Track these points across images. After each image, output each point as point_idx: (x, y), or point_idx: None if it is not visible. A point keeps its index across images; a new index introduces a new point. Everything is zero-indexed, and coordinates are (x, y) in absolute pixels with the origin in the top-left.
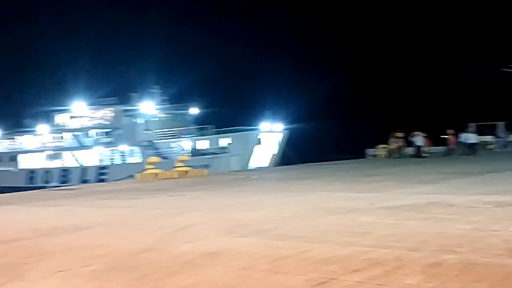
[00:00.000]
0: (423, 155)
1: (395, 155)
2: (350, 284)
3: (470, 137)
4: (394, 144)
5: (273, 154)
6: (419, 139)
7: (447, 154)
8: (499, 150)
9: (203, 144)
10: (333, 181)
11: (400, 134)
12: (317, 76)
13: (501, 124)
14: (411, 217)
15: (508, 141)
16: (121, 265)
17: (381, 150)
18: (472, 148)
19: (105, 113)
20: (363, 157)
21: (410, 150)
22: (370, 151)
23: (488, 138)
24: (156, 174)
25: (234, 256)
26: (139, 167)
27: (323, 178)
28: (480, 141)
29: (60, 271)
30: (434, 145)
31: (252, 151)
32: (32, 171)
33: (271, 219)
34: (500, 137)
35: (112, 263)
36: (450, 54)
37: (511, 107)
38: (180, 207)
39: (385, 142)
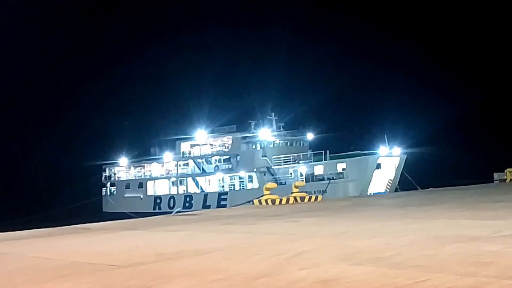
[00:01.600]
0: None
1: None
2: None
3: None
4: None
5: (390, 180)
6: None
7: None
8: None
9: (320, 169)
10: (455, 208)
11: None
12: (436, 99)
13: None
14: None
15: None
16: None
17: (509, 174)
18: None
19: (225, 141)
20: (490, 182)
21: None
22: (497, 175)
23: None
24: (273, 199)
25: (349, 285)
26: (257, 193)
27: (444, 204)
28: None
29: None
30: None
31: (371, 176)
32: (158, 197)
33: (389, 247)
34: None
35: (230, 287)
36: None
37: None
38: (296, 233)
39: None
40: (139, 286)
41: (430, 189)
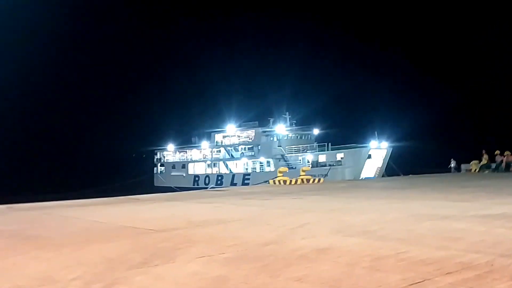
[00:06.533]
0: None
1: (486, 170)
2: (444, 285)
3: None
4: (484, 160)
5: (378, 167)
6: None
7: None
8: None
9: (323, 157)
10: (430, 191)
11: (496, 152)
12: (416, 102)
13: None
14: (502, 225)
15: None
16: (249, 254)
17: (474, 165)
18: None
19: (249, 133)
20: (458, 171)
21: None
22: (464, 166)
23: None
24: (285, 180)
25: (340, 253)
26: (273, 175)
27: (421, 188)
28: None
29: (202, 257)
30: None
31: (363, 164)
32: (196, 176)
33: (375, 222)
34: None
35: (242, 252)
36: None
37: None
38: (301, 208)
39: (478, 158)
40: (169, 248)
41: (410, 175)
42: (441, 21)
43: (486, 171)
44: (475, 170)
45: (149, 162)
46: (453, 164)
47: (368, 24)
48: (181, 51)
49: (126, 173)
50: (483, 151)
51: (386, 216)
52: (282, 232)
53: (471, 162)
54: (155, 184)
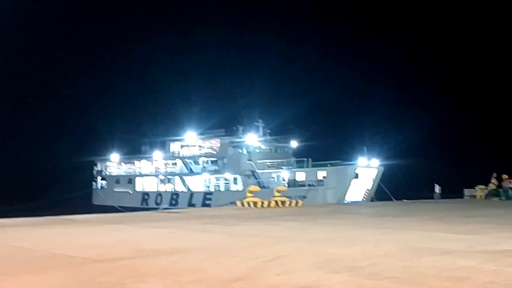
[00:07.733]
0: None
1: (493, 197)
2: None
3: None
4: (493, 185)
5: (367, 189)
6: None
7: None
8: None
9: (302, 175)
10: (429, 220)
11: (504, 176)
12: (413, 113)
13: None
14: None
15: None
16: None
17: (480, 190)
18: None
19: (213, 143)
20: (460, 197)
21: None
22: (468, 192)
23: None
24: (255, 202)
25: None
26: (241, 195)
27: (418, 216)
28: None
29: None
30: None
31: (348, 185)
32: (146, 194)
33: (365, 256)
34: None
35: None
36: None
37: None
38: (275, 236)
39: (485, 183)
40: (112, 283)
41: (403, 200)
42: (442, 20)
43: (495, 199)
44: (481, 196)
45: (87, 175)
46: (437, 189)
47: (358, 14)
48: (128, 40)
49: (57, 187)
50: (494, 175)
51: (378, 249)
52: (252, 266)
53: (477, 187)
54: (93, 202)
